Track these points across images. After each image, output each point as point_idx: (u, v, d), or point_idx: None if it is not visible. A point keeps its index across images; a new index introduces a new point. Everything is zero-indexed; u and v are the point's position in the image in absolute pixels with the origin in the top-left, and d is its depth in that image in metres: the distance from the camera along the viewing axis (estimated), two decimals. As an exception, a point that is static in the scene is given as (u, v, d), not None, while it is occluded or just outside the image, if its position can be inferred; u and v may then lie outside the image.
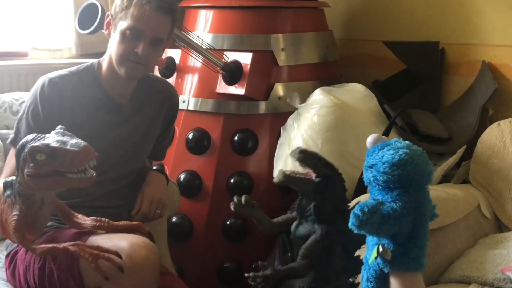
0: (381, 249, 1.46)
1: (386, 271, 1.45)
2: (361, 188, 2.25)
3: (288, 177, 1.60)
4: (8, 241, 1.89)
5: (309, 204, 1.64)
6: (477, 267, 2.02)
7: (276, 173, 2.08)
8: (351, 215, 1.42)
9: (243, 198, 1.69)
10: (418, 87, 2.86)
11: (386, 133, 2.25)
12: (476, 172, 2.45)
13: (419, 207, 1.45)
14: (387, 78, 2.95)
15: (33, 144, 1.48)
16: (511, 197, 2.36)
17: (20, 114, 1.92)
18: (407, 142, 1.50)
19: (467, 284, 1.99)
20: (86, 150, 1.47)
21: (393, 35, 3.00)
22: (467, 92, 2.73)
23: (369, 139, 1.53)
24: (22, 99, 2.43)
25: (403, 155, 1.43)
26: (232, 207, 1.68)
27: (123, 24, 1.86)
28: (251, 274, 1.62)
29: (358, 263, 1.76)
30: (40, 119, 1.86)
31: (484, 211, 2.35)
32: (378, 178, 1.45)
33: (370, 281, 1.49)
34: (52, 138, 1.49)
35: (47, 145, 1.46)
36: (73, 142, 1.48)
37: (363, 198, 2.08)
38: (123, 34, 1.86)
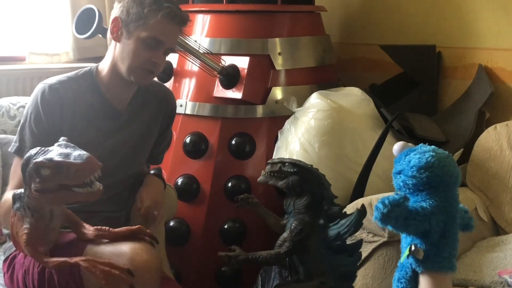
0: (413, 249, 1.48)
1: (418, 271, 1.47)
2: (358, 191, 2.26)
3: (267, 176, 1.81)
4: (6, 245, 1.88)
5: (291, 201, 1.79)
6: (474, 270, 2.02)
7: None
8: (374, 209, 1.44)
9: (242, 196, 1.90)
10: (415, 90, 2.87)
11: (383, 136, 2.26)
12: (473, 175, 2.46)
13: (449, 207, 1.47)
14: (384, 81, 2.96)
15: (37, 160, 1.46)
16: (508, 200, 2.36)
17: (21, 122, 1.90)
18: (432, 146, 1.52)
19: (464, 287, 1.99)
20: (90, 161, 1.46)
21: (390, 39, 3.01)
22: (463, 96, 2.73)
23: (396, 147, 1.56)
24: (20, 103, 2.43)
25: (430, 157, 1.46)
26: (236, 205, 1.89)
27: (142, 33, 1.85)
28: (223, 253, 1.79)
29: (352, 264, 1.78)
30: (43, 126, 1.85)
31: (481, 214, 2.35)
32: (407, 182, 1.48)
33: (401, 282, 1.51)
34: (55, 152, 1.47)
35: (51, 160, 1.45)
36: (76, 154, 1.46)
37: (361, 201, 2.09)
38: (141, 43, 1.86)
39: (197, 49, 2.49)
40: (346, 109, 2.46)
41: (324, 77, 2.74)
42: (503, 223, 2.37)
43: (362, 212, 1.71)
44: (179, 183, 2.58)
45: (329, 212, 1.76)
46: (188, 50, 2.47)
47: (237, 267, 1.77)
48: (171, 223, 2.55)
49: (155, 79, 2.57)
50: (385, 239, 2.01)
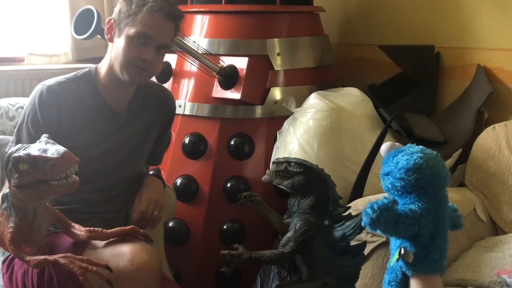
0: (402, 252, 1.47)
1: (409, 274, 1.46)
2: (357, 192, 2.26)
3: (272, 176, 1.79)
4: (4, 247, 1.89)
5: (296, 200, 1.77)
6: (473, 270, 2.03)
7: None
8: (363, 214, 1.43)
9: (245, 194, 1.87)
10: (414, 90, 2.87)
11: (382, 137, 2.26)
12: (471, 175, 2.46)
13: (438, 209, 1.46)
14: (383, 82, 2.96)
15: (15, 155, 1.48)
16: (507, 200, 2.37)
17: (19, 123, 1.90)
18: (420, 146, 1.50)
19: (463, 287, 1.99)
20: (66, 156, 1.46)
21: (388, 39, 3.01)
22: (462, 96, 2.74)
23: (383, 147, 1.55)
24: (19, 104, 2.43)
25: (418, 159, 1.44)
26: (239, 203, 1.86)
27: (130, 30, 1.85)
28: (225, 251, 1.77)
29: (355, 265, 1.77)
30: (40, 127, 1.84)
31: (480, 214, 2.35)
32: (395, 184, 1.47)
33: (391, 285, 1.50)
34: (34, 147, 1.49)
35: (28, 155, 1.46)
36: (54, 149, 1.47)
37: (359, 202, 2.09)
38: (130, 39, 1.85)
39: (196, 49, 2.49)
40: (345, 110, 2.46)
41: (323, 78, 2.74)
42: (502, 223, 2.37)
43: None
44: (178, 184, 2.58)
45: (334, 213, 1.74)
46: (187, 51, 2.47)
47: (239, 266, 1.76)
48: (170, 224, 2.55)
49: (154, 79, 2.59)
50: (384, 239, 2.01)
